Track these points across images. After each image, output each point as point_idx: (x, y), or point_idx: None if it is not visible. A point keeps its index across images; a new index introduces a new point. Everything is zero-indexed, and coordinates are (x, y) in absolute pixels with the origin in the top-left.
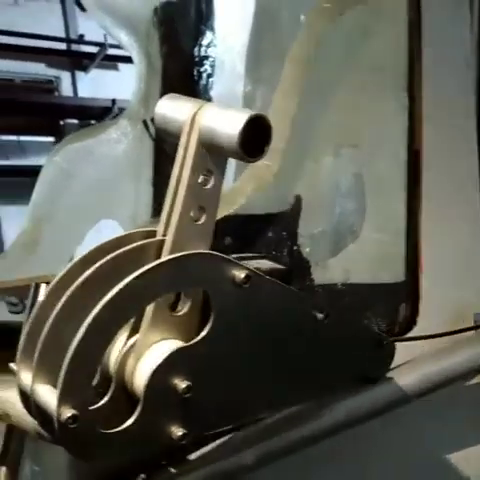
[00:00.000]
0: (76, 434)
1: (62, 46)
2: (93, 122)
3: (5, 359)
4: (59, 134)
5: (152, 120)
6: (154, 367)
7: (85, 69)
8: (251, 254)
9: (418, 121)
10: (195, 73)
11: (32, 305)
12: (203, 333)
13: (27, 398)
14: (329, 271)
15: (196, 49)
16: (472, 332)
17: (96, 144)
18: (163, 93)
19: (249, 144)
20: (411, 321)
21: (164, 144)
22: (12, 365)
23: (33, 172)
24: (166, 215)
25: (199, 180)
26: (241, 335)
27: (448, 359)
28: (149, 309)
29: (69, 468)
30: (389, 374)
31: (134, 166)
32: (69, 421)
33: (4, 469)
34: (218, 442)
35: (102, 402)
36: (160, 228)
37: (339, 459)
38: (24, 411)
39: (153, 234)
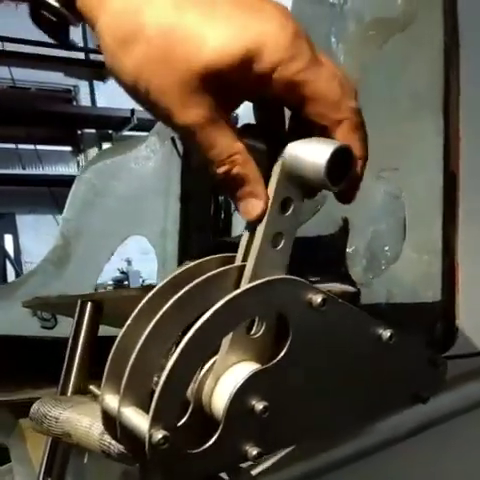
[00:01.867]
0: (164, 454)
1: (81, 55)
2: (111, 132)
3: (44, 374)
4: (77, 144)
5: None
6: (235, 389)
7: (103, 79)
8: (318, 277)
9: (454, 143)
10: None
11: (79, 323)
12: (280, 355)
13: (111, 421)
14: (372, 291)
15: None
16: None
17: (126, 161)
18: None
19: (334, 173)
20: (449, 340)
21: (191, 161)
22: (92, 388)
23: (50, 182)
24: (246, 241)
25: (280, 207)
26: (315, 356)
27: None
28: None
29: None
30: None
31: (163, 182)
32: (161, 442)
33: None
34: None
35: (181, 422)
36: (239, 254)
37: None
38: (85, 430)
39: (228, 260)
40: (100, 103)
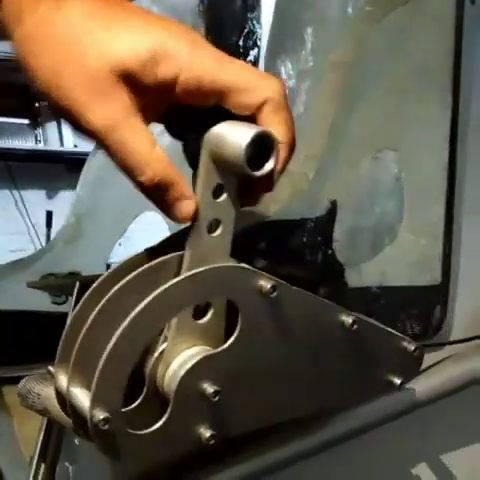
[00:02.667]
0: (108, 434)
1: None
2: None
3: (48, 350)
4: (34, 117)
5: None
6: (183, 373)
7: None
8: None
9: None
10: None
11: (76, 304)
12: (231, 340)
13: (63, 400)
14: (364, 274)
15: (241, 39)
16: None
17: None
18: None
19: (255, 159)
20: (438, 326)
21: None
22: (50, 368)
23: (6, 155)
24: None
25: (212, 193)
26: (268, 342)
27: (468, 364)
28: (174, 318)
29: (99, 468)
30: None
31: (177, 159)
32: (101, 423)
33: (43, 466)
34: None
35: (133, 405)
36: None
37: (340, 462)
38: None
39: None
40: None
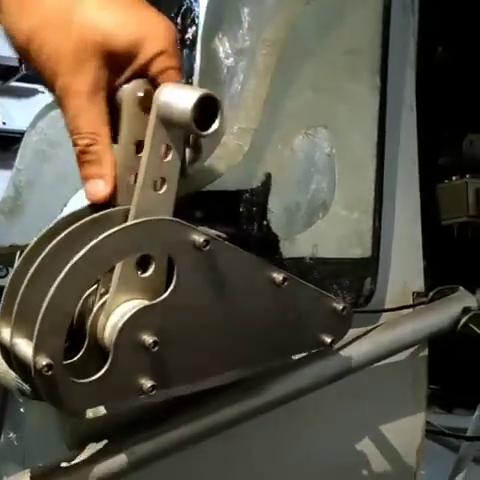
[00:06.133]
0: (51, 382)
1: None
2: None
3: None
4: None
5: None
6: (121, 323)
7: None
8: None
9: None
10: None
11: None
12: (167, 293)
13: (7, 352)
14: (297, 246)
15: (179, 17)
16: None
17: None
18: None
19: (201, 120)
20: (368, 296)
21: None
22: None
23: None
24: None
25: (159, 153)
26: (202, 295)
27: (397, 331)
28: (117, 270)
29: (44, 435)
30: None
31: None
32: (44, 369)
33: None
34: None
35: (76, 357)
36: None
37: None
38: (4, 371)
39: None
40: None
